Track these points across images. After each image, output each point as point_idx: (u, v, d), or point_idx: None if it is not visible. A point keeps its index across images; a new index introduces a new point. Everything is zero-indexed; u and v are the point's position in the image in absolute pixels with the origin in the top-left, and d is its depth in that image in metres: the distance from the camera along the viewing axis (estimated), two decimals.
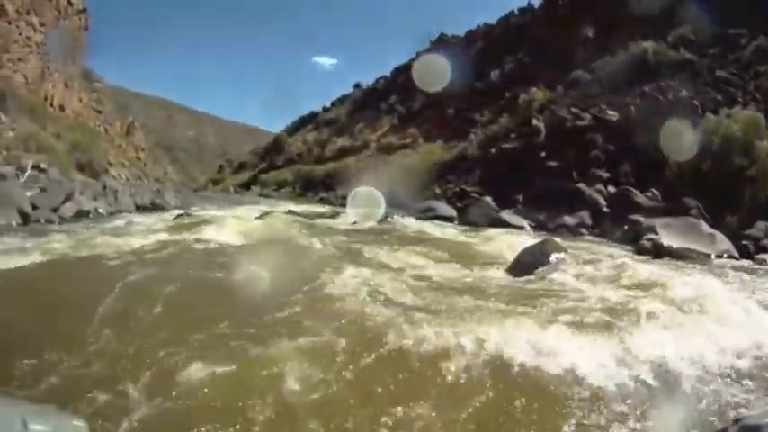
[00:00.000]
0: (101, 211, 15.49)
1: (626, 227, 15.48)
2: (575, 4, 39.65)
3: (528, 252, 8.22)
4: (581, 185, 18.76)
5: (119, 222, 13.36)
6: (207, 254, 7.75)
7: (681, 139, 17.63)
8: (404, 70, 57.55)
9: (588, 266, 7.99)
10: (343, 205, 33.60)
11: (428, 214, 18.88)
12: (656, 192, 18.41)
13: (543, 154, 22.89)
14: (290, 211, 17.52)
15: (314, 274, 6.27)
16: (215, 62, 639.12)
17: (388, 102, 54.25)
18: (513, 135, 28.07)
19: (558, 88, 31.25)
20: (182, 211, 16.92)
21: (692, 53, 26.66)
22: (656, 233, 13.22)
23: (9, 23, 37.46)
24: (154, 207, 20.28)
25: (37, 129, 27.44)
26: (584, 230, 16.71)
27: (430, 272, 7.55)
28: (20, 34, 38.38)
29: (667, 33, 28.66)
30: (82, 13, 49.63)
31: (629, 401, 3.65)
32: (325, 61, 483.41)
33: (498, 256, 9.22)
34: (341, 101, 69.60)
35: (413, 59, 56.86)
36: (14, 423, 1.77)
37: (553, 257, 8.01)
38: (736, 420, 2.76)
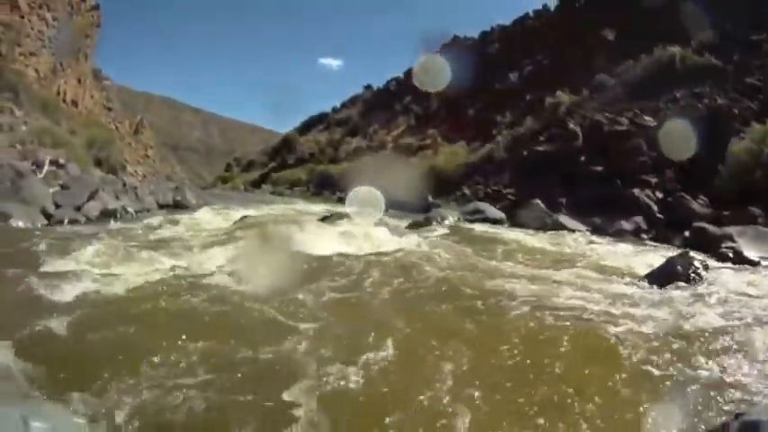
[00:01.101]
0: (129, 209, 13.92)
1: (686, 233, 14.23)
2: (592, 8, 38.11)
3: (675, 263, 7.53)
4: (636, 191, 17.60)
5: (158, 222, 11.81)
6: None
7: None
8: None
9: (724, 277, 7.57)
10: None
11: (476, 216, 17.70)
12: (705, 199, 17.21)
13: (583, 158, 21.53)
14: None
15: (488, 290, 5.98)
16: (220, 62, 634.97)
17: (403, 102, 52.82)
18: (542, 137, 26.91)
19: (584, 91, 29.91)
20: (245, 212, 15.55)
21: (716, 59, 25.14)
22: (734, 241, 12.17)
23: (21, 17, 35.96)
24: (177, 206, 18.86)
25: (51, 124, 25.96)
26: (644, 236, 15.52)
27: (580, 283, 6.85)
28: (32, 28, 36.88)
29: (689, 38, 27.14)
30: (94, 9, 48.15)
31: None
32: (331, 62, 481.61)
33: (614, 264, 8.67)
34: (352, 101, 68.06)
35: None
36: (15, 422, 1.69)
37: (700, 268, 7.45)
38: (737, 416, 2.62)
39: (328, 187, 43.33)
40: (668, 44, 26.98)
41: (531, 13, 47.93)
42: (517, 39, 45.52)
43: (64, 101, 36.19)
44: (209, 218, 13.47)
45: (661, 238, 15.09)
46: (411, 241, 9.52)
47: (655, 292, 6.60)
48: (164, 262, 6.49)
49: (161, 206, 17.61)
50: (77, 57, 42.37)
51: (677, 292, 6.54)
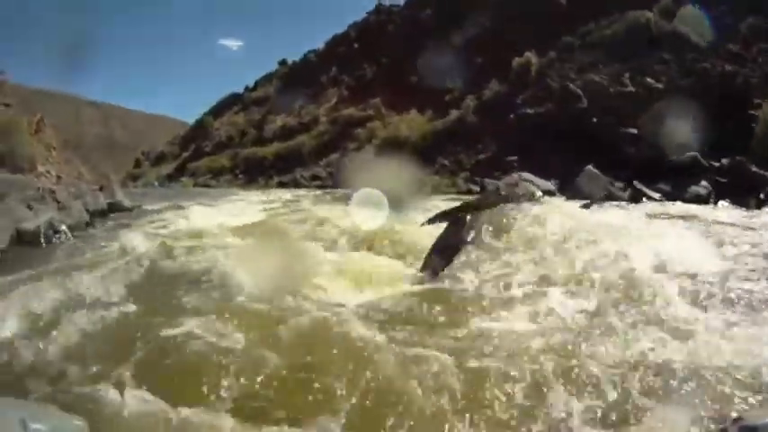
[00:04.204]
0: (62, 228, 8.52)
1: (761, 196, 12.71)
2: None
3: None
4: (694, 154, 15.30)
5: (165, 256, 6.51)
6: None
7: None
8: (343, 40, 51.27)
9: None
10: (321, 187, 28.21)
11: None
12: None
13: (595, 120, 18.51)
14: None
15: None
16: (119, 51, 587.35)
17: (329, 74, 47.69)
18: (518, 100, 23.62)
19: (550, 53, 26.62)
20: (218, 210, 10.88)
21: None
22: None
23: None
24: (112, 210, 13.74)
25: None
26: (726, 201, 13.19)
27: None
28: None
29: (648, 4, 24.54)
30: None
31: None
32: (232, 43, 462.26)
33: None
34: (266, 79, 61.79)
35: (350, 27, 51.37)
36: (15, 423, 1.64)
37: None
38: (736, 420, 2.50)
39: (260, 173, 38.23)
40: (626, 9, 24.74)
41: None
42: (451, 3, 41.44)
43: None
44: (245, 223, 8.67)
45: (737, 202, 12.76)
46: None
47: None
48: None
49: (92, 213, 12.41)
50: None
51: None
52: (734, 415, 2.82)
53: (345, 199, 15.37)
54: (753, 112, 16.45)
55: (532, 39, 28.17)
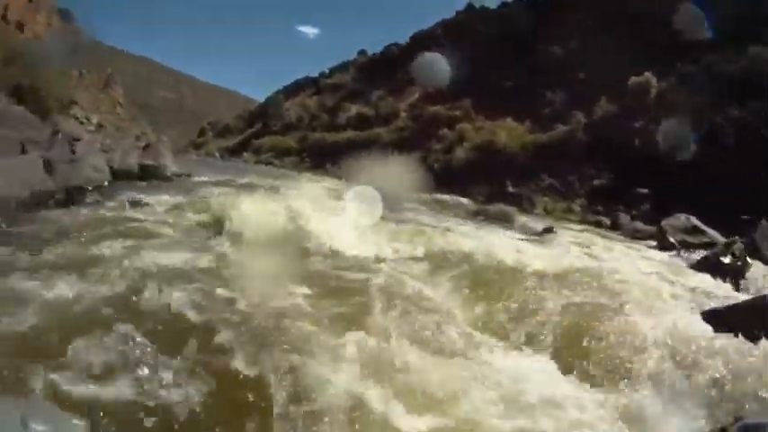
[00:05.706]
0: None
1: None
2: None
3: None
4: None
5: None
6: None
7: None
8: (429, 36, 48.30)
9: None
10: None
11: (700, 239, 10.38)
12: None
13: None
14: None
15: None
16: (198, 25, 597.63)
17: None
18: (637, 124, 20.43)
19: (671, 78, 23.17)
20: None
21: None
22: None
23: None
24: (146, 175, 11.18)
25: None
26: None
27: None
28: None
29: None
30: None
31: None
32: (309, 30, 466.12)
33: None
34: (343, 66, 59.47)
35: (438, 24, 48.42)
36: (15, 423, 1.56)
37: None
38: (737, 419, 2.31)
39: (329, 159, 35.82)
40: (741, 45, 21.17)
41: None
42: (550, 11, 37.91)
43: (4, 18, 25.47)
44: None
45: None
46: None
47: None
48: None
49: (117, 174, 9.96)
50: None
51: None
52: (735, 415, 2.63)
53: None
54: None
55: (642, 61, 24.73)
